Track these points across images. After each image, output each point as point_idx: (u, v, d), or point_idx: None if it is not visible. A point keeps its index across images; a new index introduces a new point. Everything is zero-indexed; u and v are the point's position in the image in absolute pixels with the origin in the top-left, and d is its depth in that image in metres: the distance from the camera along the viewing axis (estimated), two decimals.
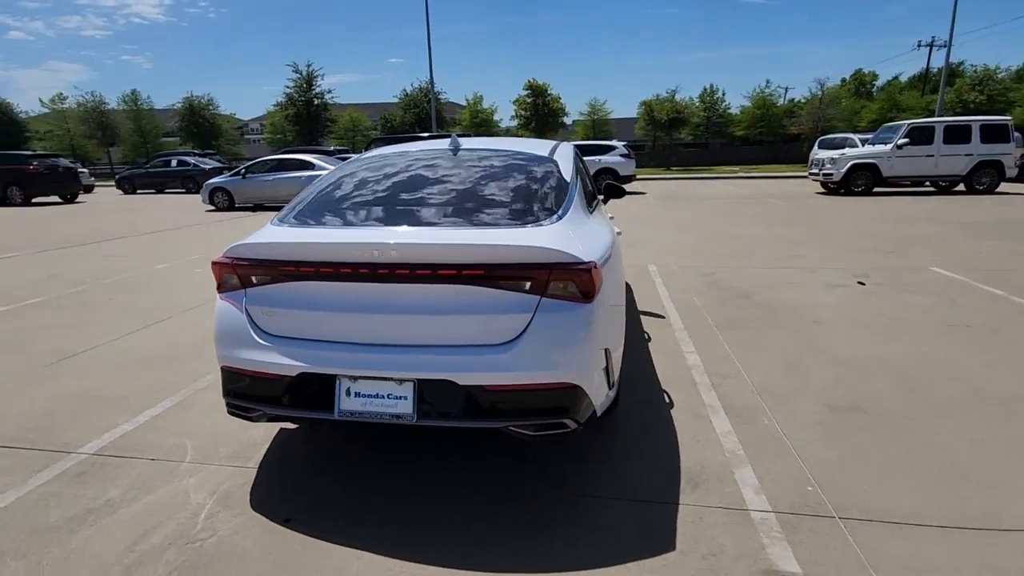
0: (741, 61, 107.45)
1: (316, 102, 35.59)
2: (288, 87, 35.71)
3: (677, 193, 17.84)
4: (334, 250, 2.10)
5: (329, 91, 36.45)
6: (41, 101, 41.11)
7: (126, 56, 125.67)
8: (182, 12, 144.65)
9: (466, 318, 2.05)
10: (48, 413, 3.12)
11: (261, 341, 2.18)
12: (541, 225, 2.27)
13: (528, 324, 2.04)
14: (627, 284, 5.84)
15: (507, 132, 42.51)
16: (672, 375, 3.51)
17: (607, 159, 17.69)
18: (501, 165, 2.84)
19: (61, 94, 38.89)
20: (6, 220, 13.49)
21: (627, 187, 19.38)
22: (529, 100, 35.82)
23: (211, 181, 14.94)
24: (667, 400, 3.18)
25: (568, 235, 2.23)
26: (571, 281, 2.08)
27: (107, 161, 40.06)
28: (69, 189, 18.22)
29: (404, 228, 2.25)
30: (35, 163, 17.32)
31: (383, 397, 2.07)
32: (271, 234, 2.31)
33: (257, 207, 14.75)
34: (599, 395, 2.28)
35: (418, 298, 2.07)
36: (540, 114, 35.48)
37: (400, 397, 2.06)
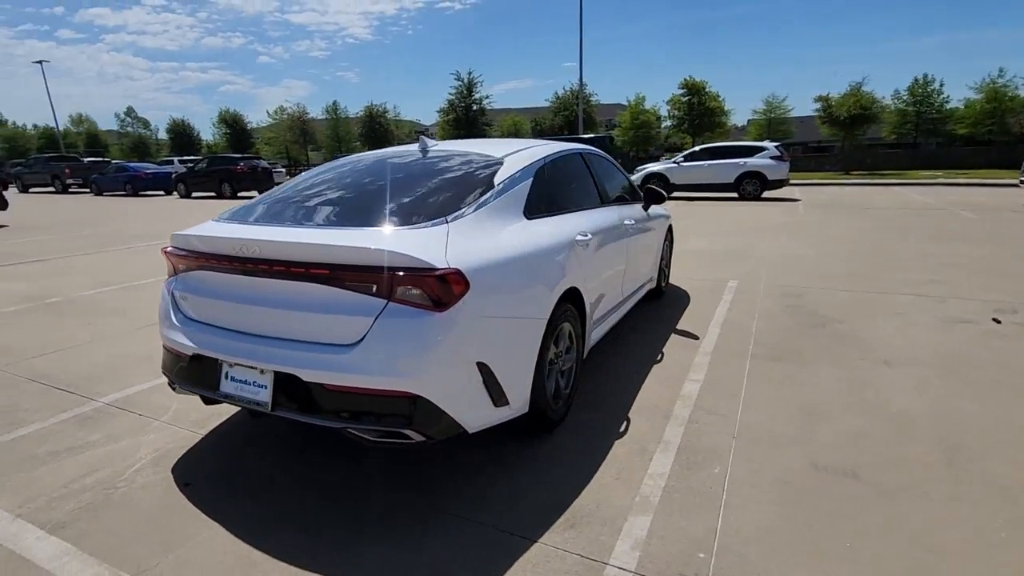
0: (975, 46, 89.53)
1: (474, 107, 37.75)
2: (450, 94, 38.43)
3: (840, 200, 15.56)
4: (217, 244, 2.28)
5: (487, 97, 38.41)
6: (268, 113, 49.64)
7: (340, 72, 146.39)
8: (386, 31, 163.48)
9: (314, 316, 2.08)
10: (106, 366, 3.83)
11: (176, 322, 2.45)
12: (417, 227, 2.21)
13: (369, 328, 2.01)
14: (686, 295, 5.31)
15: (667, 136, 40.78)
16: (651, 402, 3.14)
17: (754, 162, 16.08)
18: (442, 167, 2.81)
19: (282, 107, 46.73)
20: (211, 210, 16.59)
21: (778, 193, 17.33)
22: (684, 99, 33.96)
23: None
24: (622, 429, 2.86)
25: (437, 239, 2.14)
26: (420, 287, 2.00)
27: (306, 163, 47.04)
28: (265, 185, 21.74)
29: (287, 227, 2.35)
30: (241, 164, 21.04)
31: (250, 384, 2.20)
32: (196, 227, 2.57)
33: None
34: (470, 411, 2.17)
35: (278, 293, 2.15)
36: (695, 113, 33.43)
37: (262, 386, 2.17)
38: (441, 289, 2.01)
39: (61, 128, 53.72)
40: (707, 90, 33.27)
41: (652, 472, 2.46)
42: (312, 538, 2.08)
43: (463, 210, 2.36)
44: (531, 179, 2.83)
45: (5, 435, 2.89)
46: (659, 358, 3.82)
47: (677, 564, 1.91)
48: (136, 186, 23.46)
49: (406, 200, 2.49)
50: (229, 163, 21.34)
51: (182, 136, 47.97)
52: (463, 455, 2.61)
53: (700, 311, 4.93)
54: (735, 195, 16.41)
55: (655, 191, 4.52)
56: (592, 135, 23.79)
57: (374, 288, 2.02)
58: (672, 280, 6.05)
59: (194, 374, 2.37)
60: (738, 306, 5.04)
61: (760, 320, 4.61)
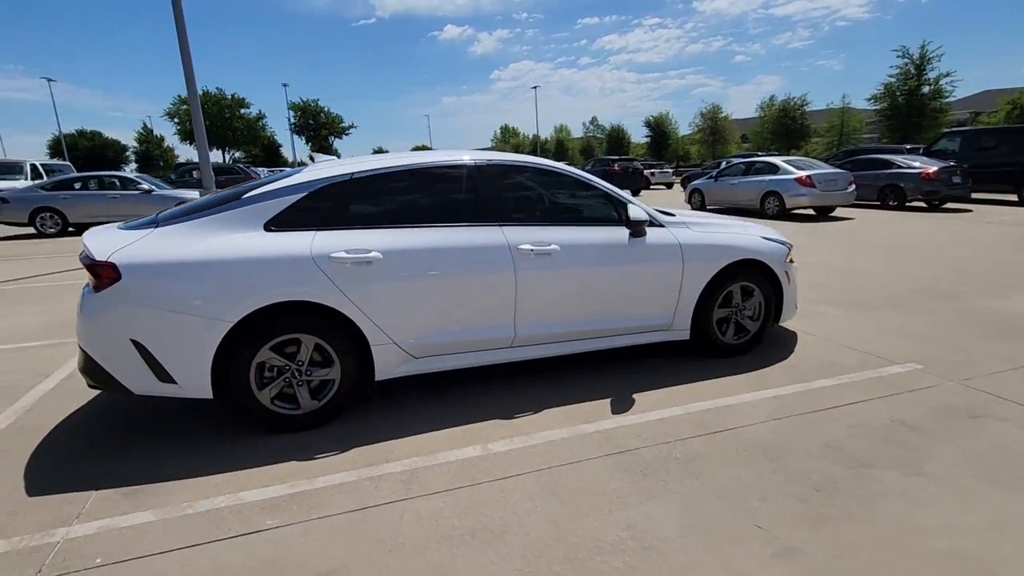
0: None
1: (925, 90, 28.73)
2: (889, 76, 30.63)
3: None
4: None
5: (947, 75, 28.75)
6: (701, 113, 50.60)
7: (821, 61, 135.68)
8: (889, 5, 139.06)
9: None
10: None
11: None
12: (131, 230, 2.87)
13: (81, 296, 2.85)
14: (769, 361, 3.77)
15: None
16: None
17: None
18: (257, 182, 3.23)
19: (715, 104, 47.64)
20: None
21: None
22: None
23: (695, 182, 16.04)
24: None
25: (125, 239, 2.77)
26: (89, 271, 2.71)
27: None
28: (636, 185, 23.34)
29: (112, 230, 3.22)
30: (615, 164, 23.13)
31: None
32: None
33: (729, 211, 14.72)
34: (130, 377, 2.75)
35: None
36: None
37: None
38: (95, 275, 2.66)
39: (546, 136, 69.88)
40: None
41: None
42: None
43: (183, 218, 2.87)
44: (300, 195, 2.97)
45: None
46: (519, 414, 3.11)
47: None
48: None
49: (173, 209, 3.12)
50: (605, 164, 23.78)
51: (616, 140, 55.06)
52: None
53: (722, 387, 3.44)
54: None
55: (627, 217, 3.44)
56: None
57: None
58: (831, 344, 4.22)
59: None
60: (809, 399, 3.26)
61: (782, 429, 2.94)
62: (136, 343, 2.70)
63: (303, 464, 2.68)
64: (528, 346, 3.41)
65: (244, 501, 2.39)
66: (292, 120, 54.55)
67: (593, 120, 69.82)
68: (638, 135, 56.06)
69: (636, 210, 3.47)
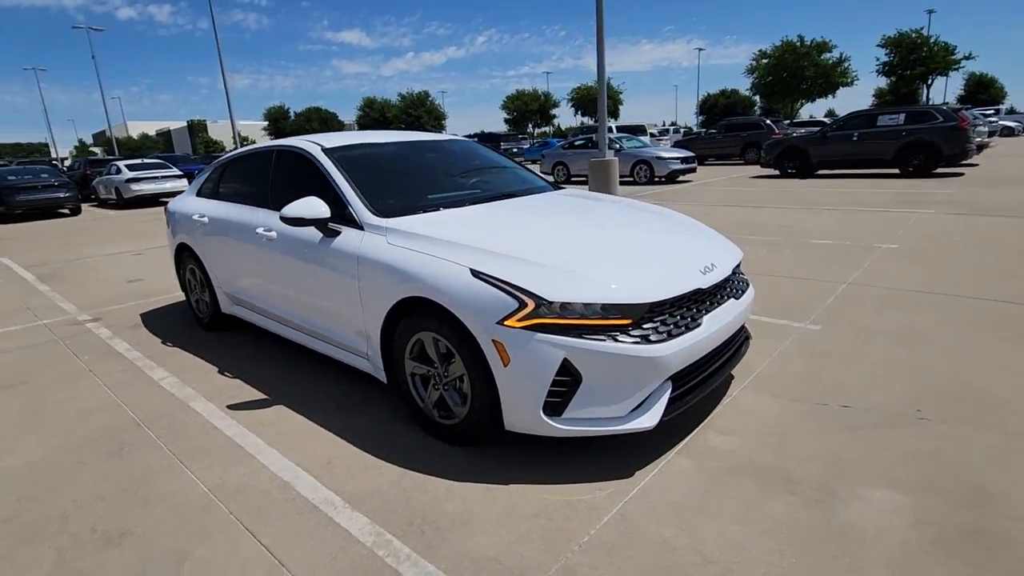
0: None
1: None
2: None
3: None
4: None
5: None
6: None
7: None
8: None
9: None
10: None
11: None
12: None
13: None
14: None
15: None
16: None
17: None
18: None
19: None
20: None
21: None
22: None
23: None
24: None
25: (184, 194, 4.90)
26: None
27: None
28: None
29: None
30: None
31: None
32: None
33: None
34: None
35: None
36: None
37: None
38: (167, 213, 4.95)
39: None
40: None
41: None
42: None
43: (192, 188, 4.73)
44: (209, 172, 4.28)
45: None
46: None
47: None
48: None
49: None
50: None
51: None
52: None
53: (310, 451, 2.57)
54: None
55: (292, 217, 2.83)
56: None
57: None
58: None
59: None
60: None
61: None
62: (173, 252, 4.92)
63: (163, 349, 4.26)
64: (283, 326, 3.59)
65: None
66: (882, 59, 45.44)
67: None
68: None
69: (291, 207, 2.88)
